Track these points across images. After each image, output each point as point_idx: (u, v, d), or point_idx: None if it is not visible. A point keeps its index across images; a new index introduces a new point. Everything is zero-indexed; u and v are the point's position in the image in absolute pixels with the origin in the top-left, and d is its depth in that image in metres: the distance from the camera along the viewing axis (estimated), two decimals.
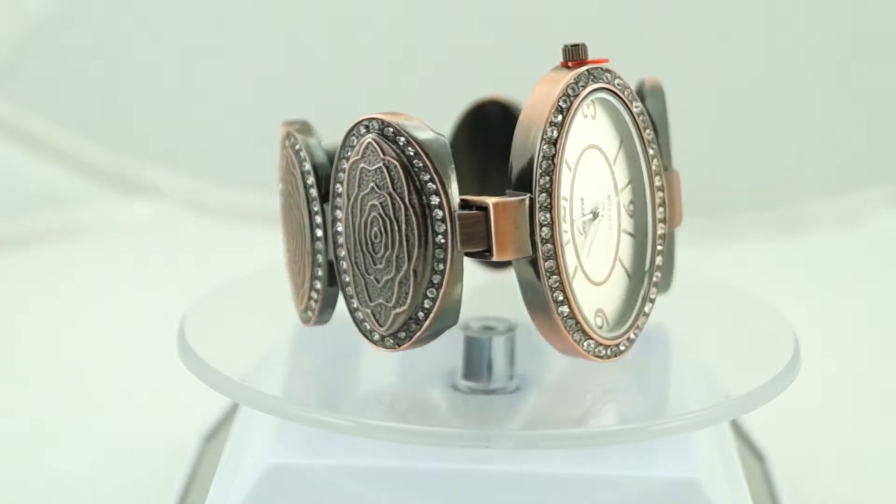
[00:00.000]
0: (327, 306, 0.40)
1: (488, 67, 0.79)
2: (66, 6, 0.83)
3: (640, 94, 0.41)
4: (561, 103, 0.38)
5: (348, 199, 0.38)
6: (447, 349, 0.43)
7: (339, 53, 0.83)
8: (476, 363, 0.42)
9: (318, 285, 0.40)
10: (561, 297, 0.38)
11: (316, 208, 0.40)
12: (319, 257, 0.40)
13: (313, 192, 0.40)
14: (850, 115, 0.84)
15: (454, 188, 0.37)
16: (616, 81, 0.39)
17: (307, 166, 0.40)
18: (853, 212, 0.82)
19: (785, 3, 0.83)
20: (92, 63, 0.84)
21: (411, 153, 0.37)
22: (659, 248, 0.40)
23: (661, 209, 0.40)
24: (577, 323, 0.38)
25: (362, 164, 0.37)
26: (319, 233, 0.40)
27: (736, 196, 0.81)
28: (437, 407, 0.41)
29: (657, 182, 0.40)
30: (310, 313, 0.41)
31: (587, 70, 0.39)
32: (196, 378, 0.40)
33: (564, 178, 0.38)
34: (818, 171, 0.83)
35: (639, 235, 0.40)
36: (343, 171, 0.38)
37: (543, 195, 0.38)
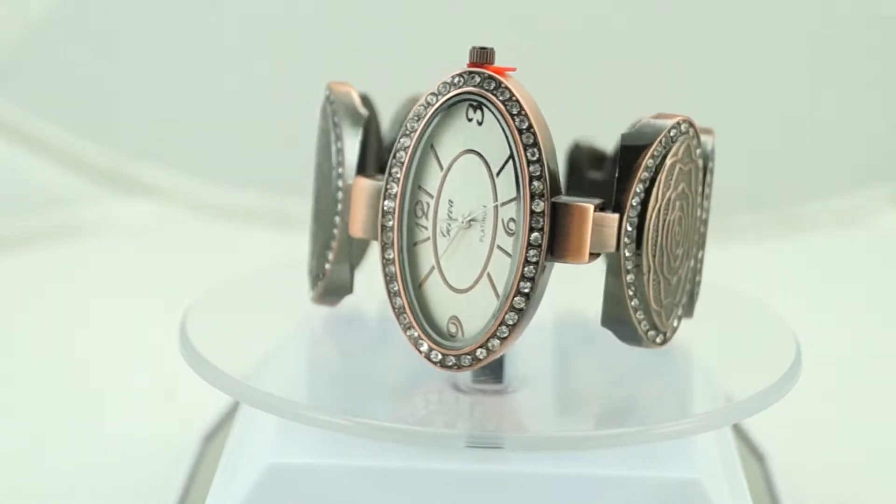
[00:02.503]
0: None
1: None
2: (66, 6, 0.83)
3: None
4: (429, 97, 0.39)
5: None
6: None
7: (339, 54, 0.83)
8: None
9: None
10: (395, 288, 0.39)
11: None
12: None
13: None
14: (849, 115, 0.84)
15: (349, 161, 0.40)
16: (505, 95, 0.38)
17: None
18: (853, 212, 0.82)
19: (785, 4, 0.83)
20: (92, 63, 0.84)
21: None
22: (527, 272, 0.38)
23: (537, 235, 0.38)
24: (410, 319, 0.39)
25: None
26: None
27: (736, 196, 0.81)
28: (438, 407, 0.41)
29: (536, 207, 0.38)
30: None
31: (469, 73, 0.38)
32: (198, 376, 0.40)
33: (430, 173, 0.39)
34: (818, 171, 0.83)
35: (514, 255, 0.38)
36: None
37: (392, 184, 0.39)
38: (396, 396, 0.42)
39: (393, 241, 0.39)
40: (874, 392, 0.59)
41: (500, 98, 0.38)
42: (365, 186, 0.40)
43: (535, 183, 0.38)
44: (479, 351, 0.38)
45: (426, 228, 0.39)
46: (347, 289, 0.42)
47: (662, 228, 0.38)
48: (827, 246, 0.79)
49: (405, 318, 0.39)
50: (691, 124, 0.39)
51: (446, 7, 0.83)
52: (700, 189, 0.40)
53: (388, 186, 0.39)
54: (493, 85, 0.38)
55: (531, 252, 0.38)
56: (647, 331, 0.39)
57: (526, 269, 0.38)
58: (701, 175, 0.40)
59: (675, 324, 0.40)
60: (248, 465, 0.39)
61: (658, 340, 0.39)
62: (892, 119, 0.84)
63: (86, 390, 0.58)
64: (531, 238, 0.38)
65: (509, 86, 0.38)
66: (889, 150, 0.84)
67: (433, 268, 0.39)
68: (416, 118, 0.39)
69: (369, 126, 0.42)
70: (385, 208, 0.39)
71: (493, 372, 0.42)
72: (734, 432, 0.47)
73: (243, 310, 0.47)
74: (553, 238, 0.38)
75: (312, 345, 0.45)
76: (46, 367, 0.60)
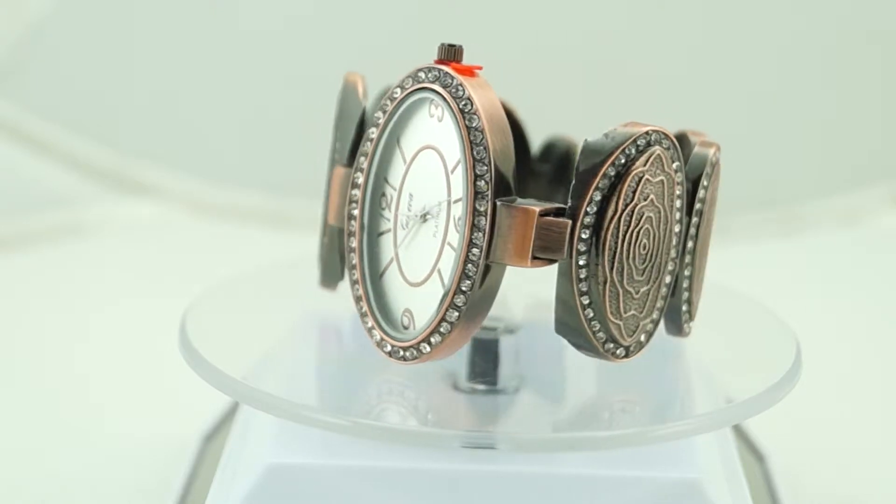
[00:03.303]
0: None
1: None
2: (66, 6, 0.83)
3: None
4: (394, 91, 0.39)
5: None
6: None
7: (339, 54, 0.83)
8: (478, 364, 0.42)
9: None
10: (355, 277, 0.40)
11: None
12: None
13: None
14: (850, 115, 0.84)
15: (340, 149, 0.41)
16: (459, 92, 0.38)
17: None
18: (853, 212, 0.82)
19: (786, 4, 0.83)
20: (92, 63, 0.84)
21: None
22: (468, 271, 0.38)
23: (479, 235, 0.38)
24: (366, 308, 0.40)
25: None
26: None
27: (736, 196, 0.81)
28: (438, 407, 0.41)
29: (479, 207, 0.38)
30: None
31: (430, 69, 0.39)
32: (198, 376, 0.40)
33: (394, 166, 0.40)
34: (818, 171, 0.83)
35: (457, 253, 0.38)
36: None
37: (357, 173, 0.40)
38: (395, 397, 0.42)
39: (356, 230, 0.40)
40: (874, 392, 0.59)
41: (454, 95, 0.38)
42: (341, 175, 0.41)
43: (480, 182, 0.37)
44: (422, 345, 0.39)
45: (388, 220, 0.40)
46: (338, 275, 0.43)
47: (624, 239, 0.37)
48: (827, 246, 0.79)
49: (362, 307, 0.40)
50: (665, 135, 0.38)
51: (448, 8, 0.83)
52: (677, 203, 0.38)
53: (355, 176, 0.40)
54: (449, 82, 0.38)
55: (473, 251, 0.38)
56: (605, 342, 0.38)
57: (467, 267, 0.38)
58: (677, 188, 0.38)
59: (643, 339, 0.39)
60: (248, 465, 0.39)
61: (619, 354, 0.38)
62: (892, 119, 0.84)
63: (86, 390, 0.58)
64: (473, 237, 0.38)
65: (464, 84, 0.38)
66: (889, 150, 0.84)
67: (392, 259, 0.40)
68: (382, 110, 0.40)
69: (366, 117, 0.42)
70: (351, 197, 0.40)
71: (487, 374, 0.42)
72: (734, 432, 0.47)
73: (243, 310, 0.47)
74: (496, 239, 0.38)
75: (312, 345, 0.45)
76: (46, 367, 0.60)
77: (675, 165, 0.38)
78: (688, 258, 0.40)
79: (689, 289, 0.40)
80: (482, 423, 0.40)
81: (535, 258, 0.37)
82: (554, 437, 0.38)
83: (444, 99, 0.38)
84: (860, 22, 0.84)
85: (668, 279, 0.39)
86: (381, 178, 0.40)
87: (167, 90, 0.84)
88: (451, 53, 0.39)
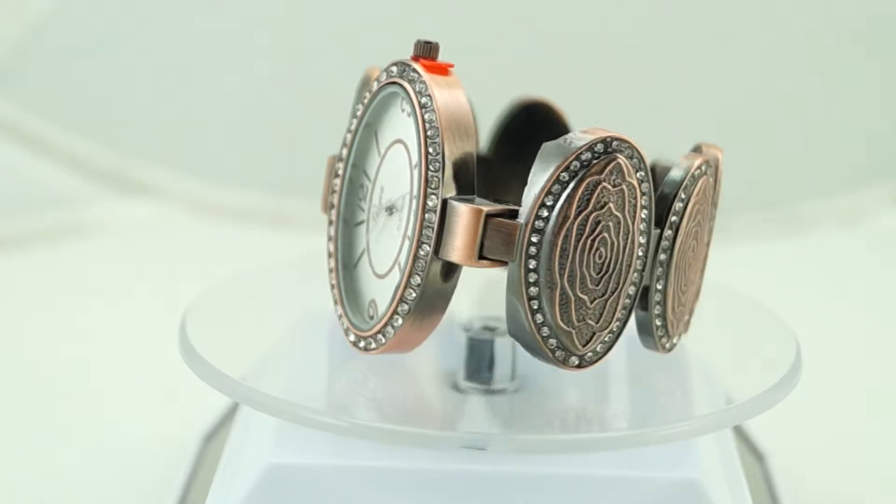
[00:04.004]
0: None
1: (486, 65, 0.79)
2: (66, 6, 0.83)
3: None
4: (372, 84, 0.40)
5: None
6: (448, 350, 0.43)
7: (339, 54, 0.83)
8: (477, 364, 0.42)
9: None
10: (331, 265, 0.41)
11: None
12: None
13: None
14: (850, 115, 0.84)
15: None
16: (421, 88, 0.38)
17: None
18: (853, 212, 0.82)
19: (785, 3, 0.83)
20: (92, 63, 0.84)
21: None
22: (418, 266, 0.38)
23: (428, 231, 0.38)
24: (336, 297, 0.40)
25: None
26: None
27: (736, 196, 0.81)
28: (438, 408, 0.41)
29: (430, 203, 0.38)
30: None
31: (402, 64, 0.39)
32: (197, 376, 0.40)
33: (371, 158, 0.40)
34: (818, 171, 0.83)
35: (410, 248, 0.38)
36: None
37: (339, 163, 0.41)
38: (394, 397, 0.42)
39: (334, 219, 0.41)
40: (874, 392, 0.59)
41: (417, 91, 0.38)
42: (330, 164, 0.42)
43: (432, 179, 0.38)
44: (378, 336, 0.39)
45: (364, 211, 0.40)
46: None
47: (576, 247, 0.37)
48: (827, 246, 0.79)
49: (335, 296, 0.40)
50: (628, 143, 0.37)
51: (449, 7, 0.83)
52: (642, 214, 0.38)
53: (337, 166, 0.41)
54: (414, 78, 0.39)
55: (423, 246, 0.38)
56: (555, 350, 0.38)
57: (417, 262, 0.38)
58: (642, 199, 0.38)
59: (600, 349, 0.38)
60: (248, 465, 0.39)
61: (572, 363, 0.38)
62: (892, 119, 0.84)
63: (86, 390, 0.58)
64: (423, 233, 0.38)
65: (428, 81, 0.38)
66: (889, 150, 0.84)
67: (364, 251, 0.40)
68: (361, 101, 0.40)
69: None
70: (332, 186, 0.41)
71: (482, 374, 0.42)
72: (734, 432, 0.47)
73: (243, 310, 0.47)
74: (445, 236, 0.38)
75: (311, 345, 0.45)
76: (46, 368, 0.60)
77: (638, 175, 0.37)
78: (659, 270, 0.39)
79: (663, 303, 0.39)
80: (482, 424, 0.40)
81: (483, 258, 0.37)
82: (554, 439, 0.38)
83: (408, 94, 0.38)
84: (860, 22, 0.84)
85: (631, 290, 0.38)
86: (360, 170, 0.41)
87: (167, 90, 0.84)
88: (426, 50, 0.39)
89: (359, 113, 0.40)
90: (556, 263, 0.37)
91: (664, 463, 0.38)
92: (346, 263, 0.41)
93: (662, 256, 0.39)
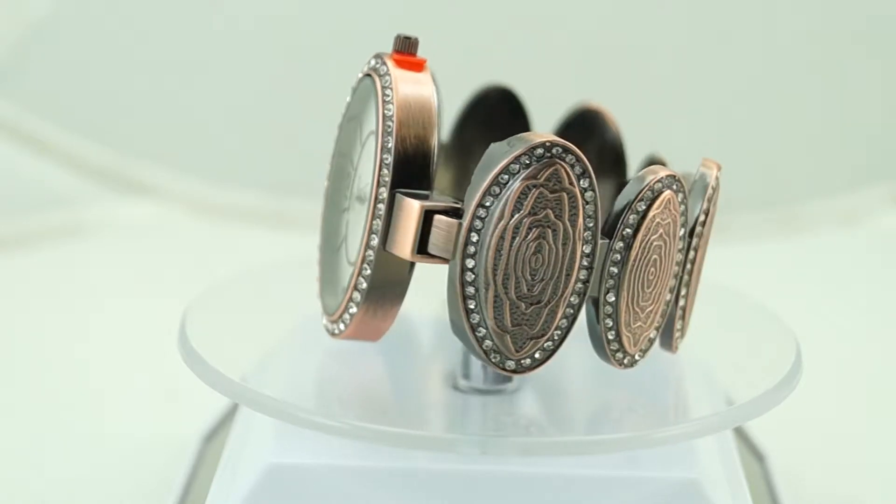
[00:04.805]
0: None
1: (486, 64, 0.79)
2: (66, 6, 0.83)
3: None
4: (359, 74, 0.40)
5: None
6: (448, 350, 0.43)
7: (340, 54, 0.83)
8: (477, 364, 0.42)
9: None
10: (319, 256, 0.42)
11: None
12: None
13: None
14: (849, 115, 0.84)
15: None
16: (386, 82, 0.39)
17: None
18: (853, 212, 0.82)
19: (785, 3, 0.83)
20: (92, 63, 0.84)
21: None
22: (367, 256, 0.38)
23: (377, 222, 0.38)
24: (318, 277, 0.42)
25: None
26: None
27: (736, 196, 0.81)
28: (437, 408, 0.41)
29: (380, 195, 0.38)
30: None
31: (378, 57, 0.39)
32: (197, 377, 0.40)
33: (355, 148, 0.41)
34: (818, 171, 0.83)
35: (363, 239, 0.39)
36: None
37: (335, 157, 0.42)
38: (395, 398, 0.42)
39: (323, 205, 0.42)
40: (874, 392, 0.59)
41: (382, 85, 0.39)
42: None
43: (384, 171, 0.38)
44: (339, 323, 0.40)
45: (347, 199, 0.41)
46: None
47: (511, 250, 0.37)
48: (827, 246, 0.79)
49: (317, 278, 0.41)
50: (569, 150, 0.37)
51: (450, 7, 0.83)
52: (585, 222, 0.37)
53: (332, 153, 0.42)
54: (383, 71, 0.39)
55: (373, 238, 0.38)
56: (490, 352, 0.38)
57: (367, 253, 0.38)
58: (585, 207, 0.37)
59: (539, 356, 0.38)
60: (248, 465, 0.39)
61: (508, 367, 0.38)
62: (892, 119, 0.84)
63: (86, 390, 0.58)
64: (373, 224, 0.38)
65: (392, 75, 0.38)
66: (889, 150, 0.84)
67: (343, 238, 0.41)
68: (351, 93, 0.41)
69: None
70: (327, 174, 0.42)
71: (480, 374, 0.42)
72: (734, 432, 0.47)
73: (243, 310, 0.47)
74: (391, 229, 0.38)
75: (311, 345, 0.45)
76: (46, 368, 0.60)
77: (582, 183, 0.37)
78: (610, 283, 0.38)
79: (615, 317, 0.38)
80: (481, 425, 0.40)
81: (423, 253, 0.38)
82: (554, 441, 0.38)
83: (375, 87, 0.39)
84: (860, 22, 0.84)
85: (574, 300, 0.38)
86: (347, 158, 0.41)
87: (167, 90, 0.84)
88: (405, 45, 0.39)
89: (347, 102, 0.41)
90: (492, 264, 0.37)
91: (664, 463, 0.38)
92: (331, 246, 0.41)
93: (613, 269, 0.38)
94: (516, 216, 0.36)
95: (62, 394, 0.57)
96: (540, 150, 0.36)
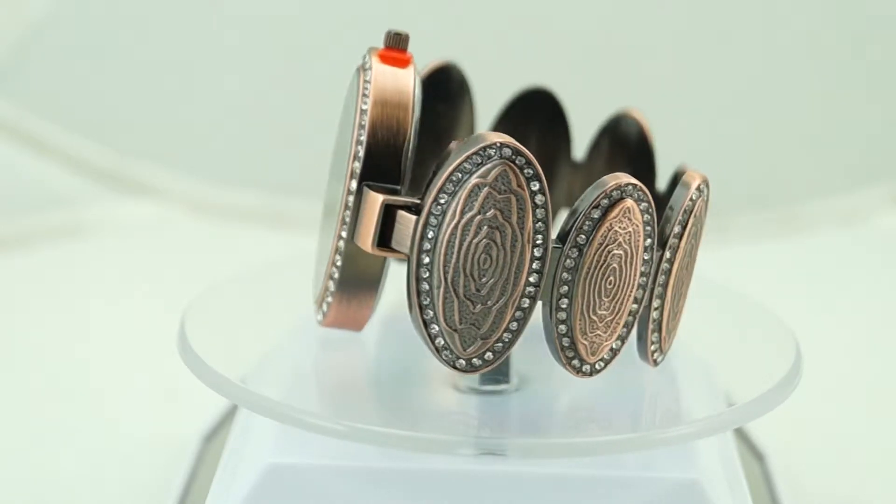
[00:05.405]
0: None
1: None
2: (66, 6, 0.83)
3: None
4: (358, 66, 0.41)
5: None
6: None
7: (340, 54, 0.83)
8: None
9: None
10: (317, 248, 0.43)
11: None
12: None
13: None
14: (850, 115, 0.84)
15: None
16: (367, 76, 0.39)
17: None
18: (853, 212, 0.82)
19: (785, 3, 0.83)
20: (92, 63, 0.84)
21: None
22: (339, 247, 0.39)
23: (347, 214, 0.39)
24: (314, 269, 0.42)
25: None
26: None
27: (736, 196, 0.81)
28: (437, 409, 0.41)
29: (351, 187, 0.38)
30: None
31: (368, 52, 0.40)
32: (196, 378, 0.40)
33: (349, 140, 0.40)
34: (818, 171, 0.83)
35: (336, 230, 0.40)
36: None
37: (335, 151, 0.42)
38: (394, 398, 0.42)
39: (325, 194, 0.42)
40: (874, 392, 0.59)
41: (364, 79, 0.39)
42: None
43: (356, 163, 0.38)
44: (319, 313, 0.40)
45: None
46: None
47: (462, 249, 0.37)
48: (827, 246, 0.79)
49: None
50: (521, 152, 0.37)
51: (449, 6, 0.83)
52: (534, 225, 0.37)
53: (333, 149, 0.42)
54: (367, 66, 0.39)
55: (343, 228, 0.39)
56: (442, 349, 0.38)
57: (339, 243, 0.39)
58: (536, 210, 0.37)
59: (489, 356, 0.38)
60: (248, 465, 0.39)
61: (459, 365, 0.38)
62: (892, 119, 0.84)
63: (86, 390, 0.58)
64: (344, 215, 0.39)
65: (373, 68, 0.39)
66: (889, 150, 0.84)
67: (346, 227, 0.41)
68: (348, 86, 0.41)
69: None
70: (330, 165, 0.42)
71: (496, 371, 0.42)
72: (734, 433, 0.47)
73: (243, 310, 0.47)
74: (358, 220, 0.38)
75: (311, 346, 0.45)
76: (46, 368, 0.60)
77: (532, 186, 0.37)
78: (564, 289, 0.38)
79: (568, 322, 0.38)
80: (481, 426, 0.40)
81: (384, 247, 0.38)
82: (553, 443, 0.38)
83: (358, 81, 0.39)
84: (861, 22, 0.84)
85: (524, 302, 0.38)
86: (343, 150, 0.41)
87: (167, 90, 0.84)
88: (395, 41, 0.39)
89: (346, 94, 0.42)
90: (443, 261, 0.37)
91: (664, 463, 0.38)
92: (324, 237, 0.42)
93: (566, 275, 0.38)
94: (467, 215, 0.37)
95: (62, 394, 0.57)
96: (491, 151, 0.37)
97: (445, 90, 0.48)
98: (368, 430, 0.37)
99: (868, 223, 0.81)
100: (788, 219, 0.82)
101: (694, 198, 0.39)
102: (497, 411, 0.41)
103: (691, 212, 0.39)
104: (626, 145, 0.47)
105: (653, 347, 0.40)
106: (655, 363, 0.40)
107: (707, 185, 0.40)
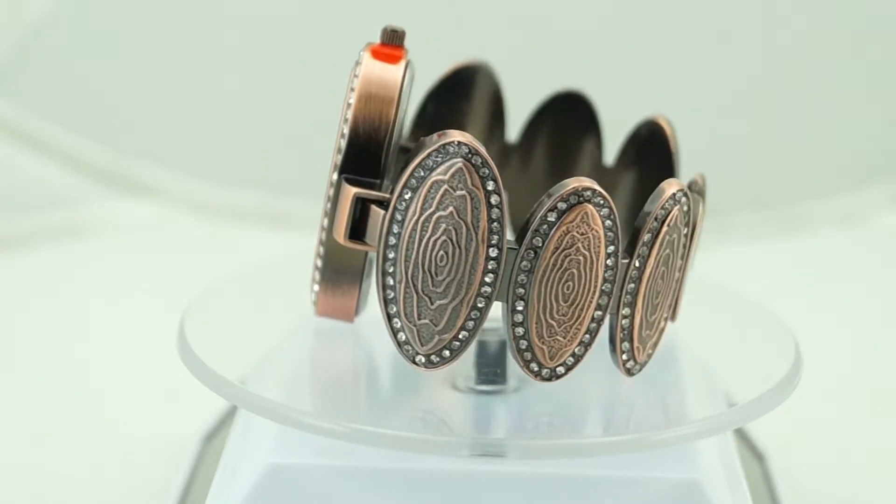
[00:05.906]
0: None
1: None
2: (66, 6, 0.83)
3: None
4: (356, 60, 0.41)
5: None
6: None
7: (340, 54, 0.83)
8: (476, 364, 0.42)
9: None
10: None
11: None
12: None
13: None
14: (850, 115, 0.84)
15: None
16: (357, 72, 0.39)
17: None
18: (853, 212, 0.82)
19: (785, 3, 0.83)
20: (92, 63, 0.84)
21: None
22: (322, 239, 0.40)
23: (329, 206, 0.39)
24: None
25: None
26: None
27: (736, 196, 0.81)
28: (436, 409, 0.41)
29: (333, 179, 0.39)
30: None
31: (364, 47, 0.40)
32: (196, 378, 0.40)
33: (339, 133, 0.41)
34: (818, 171, 0.83)
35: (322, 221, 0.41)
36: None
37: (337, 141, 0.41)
38: (394, 399, 0.42)
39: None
40: (874, 392, 0.59)
41: (355, 73, 0.39)
42: None
43: (338, 156, 0.39)
44: (312, 302, 0.41)
45: None
46: None
47: (421, 245, 0.37)
48: (827, 246, 0.79)
49: None
50: (475, 150, 0.37)
51: (449, 6, 0.83)
52: (490, 225, 0.37)
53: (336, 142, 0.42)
54: (360, 61, 0.40)
55: (326, 219, 0.39)
56: (403, 345, 0.38)
57: (322, 234, 0.39)
58: (491, 210, 0.37)
59: (447, 354, 0.38)
60: (248, 465, 0.39)
61: (418, 361, 0.38)
62: (891, 119, 0.84)
63: (86, 390, 0.58)
64: (327, 206, 0.39)
65: (364, 62, 0.39)
66: (889, 150, 0.84)
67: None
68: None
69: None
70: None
71: (479, 374, 0.42)
72: (734, 432, 0.47)
73: (242, 310, 0.47)
74: (336, 213, 0.39)
75: (311, 346, 0.45)
76: (46, 368, 0.60)
77: (488, 186, 0.37)
78: (520, 290, 0.38)
79: (525, 325, 0.38)
80: (481, 429, 0.40)
81: (356, 240, 0.38)
82: (553, 444, 0.38)
83: (351, 76, 0.40)
84: (861, 22, 0.84)
85: (479, 302, 0.38)
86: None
87: (167, 90, 0.84)
88: (391, 37, 0.40)
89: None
90: (404, 257, 0.37)
91: (665, 463, 0.38)
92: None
93: (522, 277, 0.38)
94: (427, 212, 0.37)
95: (62, 394, 0.57)
96: (451, 148, 0.37)
97: (468, 89, 0.48)
98: (367, 431, 0.37)
99: (868, 223, 0.81)
100: (788, 219, 0.82)
101: (668, 206, 0.38)
102: (496, 412, 0.41)
103: (663, 220, 0.38)
104: (654, 151, 0.47)
105: (624, 356, 0.40)
106: (629, 373, 0.40)
107: (689, 194, 0.39)
